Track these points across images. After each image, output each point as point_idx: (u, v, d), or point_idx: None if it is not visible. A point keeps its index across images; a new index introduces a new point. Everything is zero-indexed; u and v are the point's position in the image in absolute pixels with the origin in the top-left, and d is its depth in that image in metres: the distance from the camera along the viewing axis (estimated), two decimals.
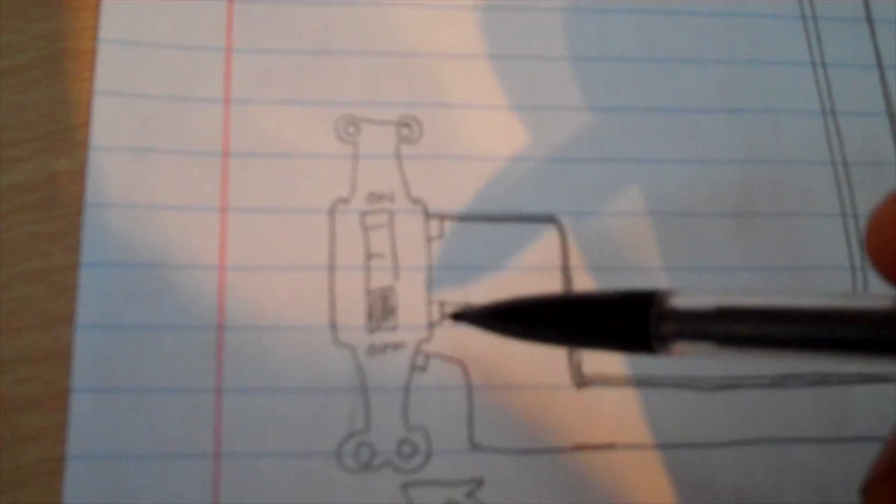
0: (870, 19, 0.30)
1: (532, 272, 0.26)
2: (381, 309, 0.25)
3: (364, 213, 0.26)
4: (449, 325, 0.25)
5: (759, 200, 0.28)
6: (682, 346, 0.19)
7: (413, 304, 0.25)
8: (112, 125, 0.26)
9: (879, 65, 0.30)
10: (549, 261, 0.26)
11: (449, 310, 0.25)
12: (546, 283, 0.26)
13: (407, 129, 0.27)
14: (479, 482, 0.24)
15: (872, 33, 0.30)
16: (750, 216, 0.27)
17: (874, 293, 0.20)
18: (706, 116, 0.28)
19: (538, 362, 0.25)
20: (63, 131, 0.26)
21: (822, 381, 0.26)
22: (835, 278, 0.27)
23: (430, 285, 0.26)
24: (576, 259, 0.27)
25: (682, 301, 0.19)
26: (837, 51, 0.29)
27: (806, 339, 0.17)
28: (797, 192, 0.28)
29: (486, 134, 0.27)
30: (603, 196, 0.27)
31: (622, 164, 0.28)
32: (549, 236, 0.27)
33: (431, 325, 0.25)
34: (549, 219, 0.27)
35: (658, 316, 0.19)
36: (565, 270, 0.26)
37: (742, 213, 0.27)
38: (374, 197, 0.26)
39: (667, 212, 0.28)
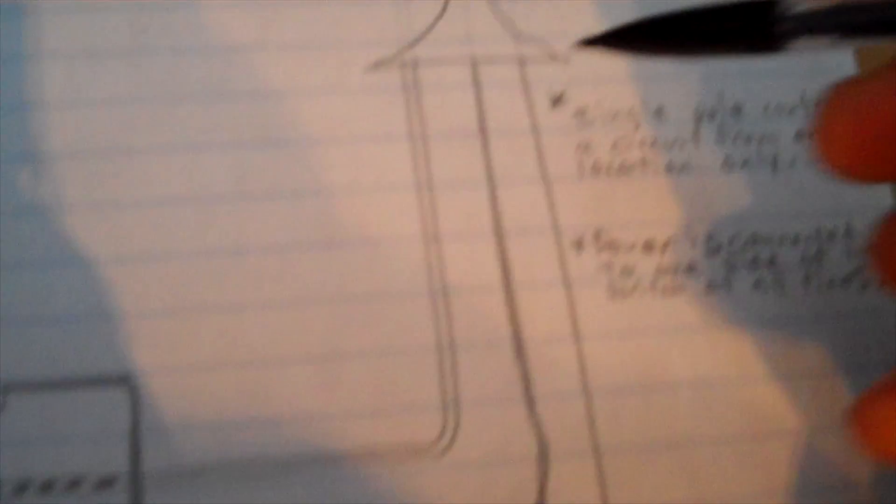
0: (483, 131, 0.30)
1: (98, 440, 0.25)
2: None
3: None
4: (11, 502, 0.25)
5: (349, 340, 0.27)
6: (804, 42, 0.21)
7: None
8: None
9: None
10: (118, 426, 0.26)
11: (7, 490, 0.25)
12: (112, 451, 0.25)
13: None
14: None
15: (485, 149, 0.29)
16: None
17: None
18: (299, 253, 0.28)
19: None
20: None
21: None
22: (423, 419, 0.27)
23: None
24: (149, 418, 0.26)
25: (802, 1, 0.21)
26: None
27: None
28: (391, 328, 0.27)
29: (59, 293, 0.26)
30: (179, 350, 0.26)
31: (199, 314, 0.27)
32: (120, 399, 0.26)
33: None
34: (121, 379, 0.26)
35: (782, 14, 0.21)
36: (134, 436, 0.26)
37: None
38: None
39: (248, 362, 0.27)
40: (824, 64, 0.31)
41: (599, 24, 0.29)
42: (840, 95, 0.22)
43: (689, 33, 0.23)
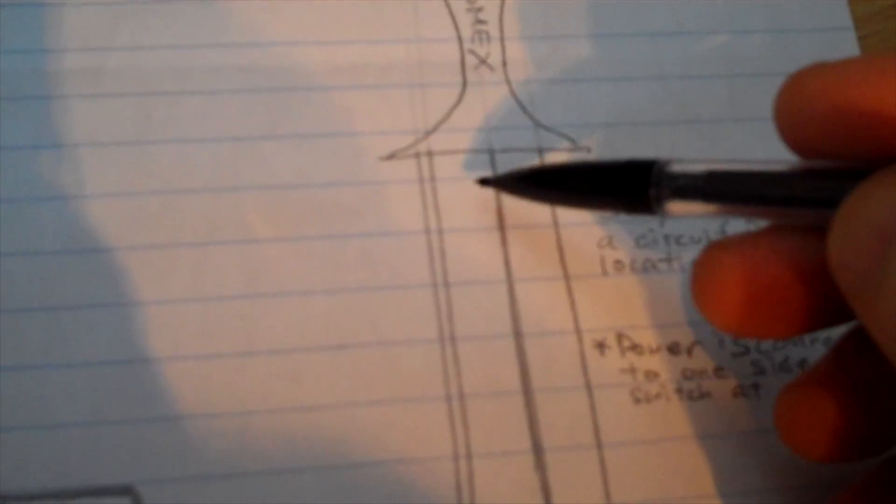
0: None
1: None
2: None
3: None
4: None
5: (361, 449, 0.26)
6: (676, 206, 0.23)
7: None
8: None
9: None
10: None
11: None
12: None
13: None
14: None
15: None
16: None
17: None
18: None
19: None
20: None
21: None
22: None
23: None
24: None
25: (678, 167, 0.23)
26: None
27: (773, 196, 0.21)
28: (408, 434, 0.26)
29: (58, 401, 0.25)
30: (183, 459, 0.25)
31: (206, 420, 0.26)
32: None
33: None
34: (124, 490, 0.25)
35: (657, 178, 0.23)
36: None
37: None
38: None
39: (253, 471, 0.26)
40: None
41: (619, 114, 0.28)
42: (709, 259, 0.23)
43: (574, 186, 0.25)
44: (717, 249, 0.22)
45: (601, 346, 0.28)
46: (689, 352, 0.28)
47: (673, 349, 0.28)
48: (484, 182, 0.28)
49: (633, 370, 0.28)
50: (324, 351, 0.27)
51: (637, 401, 0.27)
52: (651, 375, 0.28)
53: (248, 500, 0.25)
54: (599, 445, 0.27)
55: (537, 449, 0.26)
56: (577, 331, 0.28)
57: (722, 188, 0.22)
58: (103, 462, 0.25)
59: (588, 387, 0.27)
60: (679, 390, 0.28)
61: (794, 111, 0.21)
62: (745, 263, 0.22)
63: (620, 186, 0.24)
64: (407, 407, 0.27)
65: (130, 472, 0.25)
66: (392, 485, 0.26)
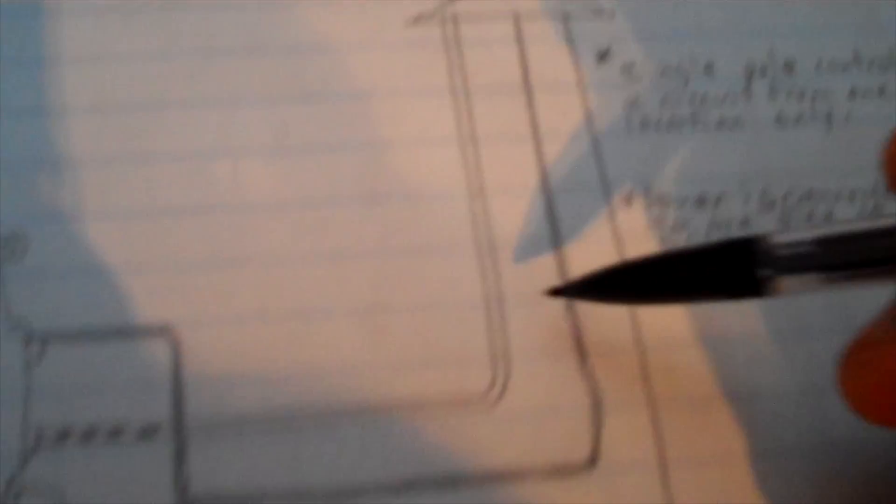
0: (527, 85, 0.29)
1: (139, 389, 0.25)
2: None
3: None
4: (46, 453, 0.24)
5: (394, 293, 0.26)
6: (788, 284, 0.20)
7: (7, 434, 0.24)
8: None
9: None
10: (159, 375, 0.25)
11: (49, 438, 0.24)
12: (153, 400, 0.25)
13: (9, 247, 0.26)
14: None
15: (530, 104, 0.29)
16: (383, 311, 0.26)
17: None
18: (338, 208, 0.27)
19: (141, 484, 0.25)
20: None
21: (454, 482, 0.25)
22: (473, 370, 0.26)
23: (26, 412, 0.24)
24: (191, 369, 0.25)
25: (782, 238, 0.20)
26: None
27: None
28: (438, 282, 0.26)
29: (96, 246, 0.26)
30: (221, 301, 0.26)
31: (242, 266, 0.26)
32: (161, 349, 0.25)
33: (26, 455, 0.24)
34: (161, 330, 0.25)
35: (762, 256, 0.20)
36: (176, 385, 0.25)
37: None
38: None
39: (292, 314, 0.27)
40: (877, 19, 0.30)
41: None
42: (853, 353, 0.21)
43: (662, 283, 0.22)
44: (869, 348, 0.21)
45: (629, 199, 0.28)
46: (716, 204, 0.28)
47: (700, 202, 0.28)
48: (555, 293, 0.25)
49: (660, 221, 0.28)
50: (354, 201, 0.27)
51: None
52: (677, 228, 0.28)
53: (284, 340, 0.26)
54: None
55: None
56: (604, 184, 0.28)
57: (839, 254, 0.20)
58: (141, 304, 0.26)
59: (616, 238, 0.28)
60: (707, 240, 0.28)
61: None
62: (881, 364, 0.20)
63: (719, 274, 0.21)
64: (437, 256, 0.27)
65: (168, 313, 0.26)
66: (426, 328, 0.26)
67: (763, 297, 0.21)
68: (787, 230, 0.21)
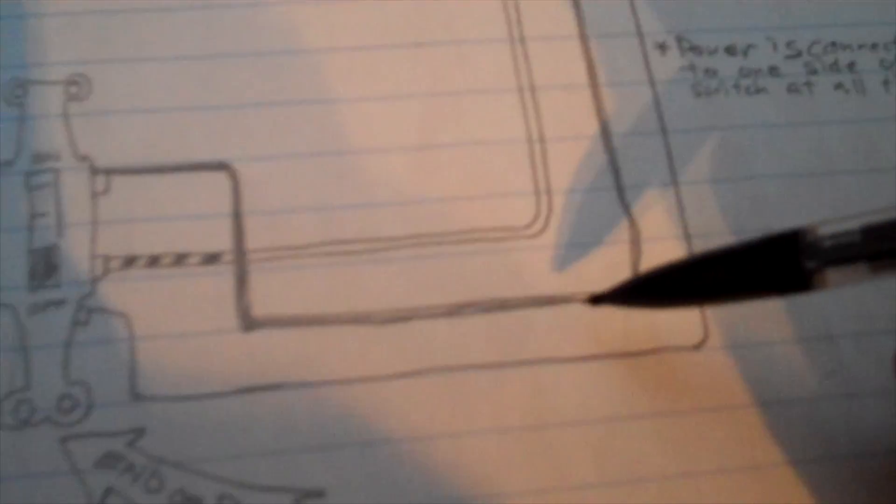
0: None
1: (201, 220, 0.26)
2: (44, 267, 0.25)
3: (28, 174, 0.26)
4: (114, 279, 0.25)
5: (442, 132, 0.27)
6: (835, 276, 0.19)
7: (77, 261, 0.25)
8: None
9: None
10: (220, 208, 0.26)
11: (115, 264, 0.25)
12: (216, 229, 0.26)
13: (75, 86, 0.27)
14: (139, 432, 0.24)
15: None
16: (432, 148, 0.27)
17: None
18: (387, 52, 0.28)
19: (204, 308, 0.25)
20: None
21: (501, 306, 0.26)
22: (518, 203, 0.27)
23: (94, 241, 0.25)
24: (249, 204, 0.26)
25: (828, 228, 0.19)
26: None
27: None
28: (482, 121, 0.28)
29: (156, 86, 0.27)
30: (277, 139, 0.27)
31: (297, 106, 0.27)
32: (220, 183, 0.26)
33: (95, 280, 0.25)
34: (220, 166, 0.27)
35: (808, 249, 0.19)
36: (236, 215, 0.26)
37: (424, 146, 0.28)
38: (39, 157, 0.26)
39: (345, 150, 0.28)
40: None
41: None
42: None
43: (706, 284, 0.22)
44: None
45: (662, 46, 0.29)
46: (745, 53, 0.29)
47: (730, 50, 0.29)
48: (597, 300, 0.25)
49: (692, 67, 0.29)
50: (403, 47, 0.28)
51: (698, 94, 0.29)
52: (710, 72, 0.29)
53: (338, 175, 0.28)
54: (664, 131, 0.28)
55: (605, 133, 0.28)
56: (639, 33, 0.29)
57: (886, 243, 0.19)
58: (201, 141, 0.27)
59: (651, 82, 0.29)
60: (737, 86, 0.29)
61: None
62: None
63: (765, 270, 0.20)
64: (480, 97, 0.28)
65: (227, 150, 0.27)
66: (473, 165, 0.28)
67: (811, 291, 0.20)
68: (831, 221, 0.20)
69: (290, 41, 0.28)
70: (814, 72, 0.29)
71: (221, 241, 0.26)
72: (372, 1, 0.29)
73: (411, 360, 0.25)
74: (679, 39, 0.29)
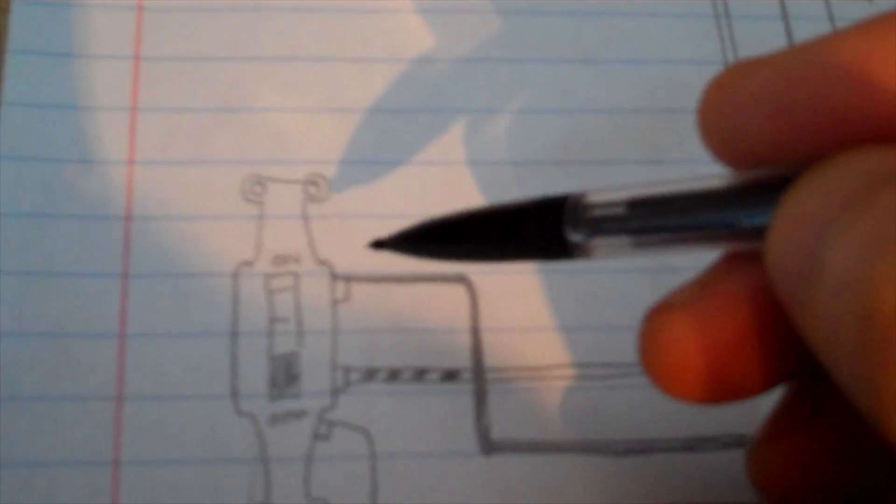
0: None
1: (441, 334, 0.26)
2: (285, 376, 0.25)
3: (269, 276, 0.26)
4: (354, 391, 0.25)
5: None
6: (598, 246, 0.18)
7: (317, 371, 0.25)
8: (13, 190, 0.26)
9: None
10: (459, 321, 0.26)
11: (356, 376, 0.25)
12: (455, 345, 0.26)
13: (314, 187, 0.26)
14: None
15: None
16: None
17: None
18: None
19: (445, 429, 0.25)
20: None
21: (738, 442, 0.25)
22: None
23: (334, 350, 0.25)
24: (486, 320, 0.26)
25: (594, 197, 0.18)
26: None
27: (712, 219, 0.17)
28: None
29: (395, 191, 0.27)
30: None
31: None
32: (459, 297, 0.26)
33: (336, 392, 0.25)
34: (458, 278, 0.26)
35: (572, 217, 0.18)
36: (475, 331, 0.26)
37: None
38: (279, 259, 0.26)
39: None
40: None
41: None
42: (650, 323, 0.18)
43: (475, 239, 0.21)
44: (663, 312, 0.18)
45: None
46: None
47: None
48: (377, 245, 0.23)
49: None
50: None
51: None
52: None
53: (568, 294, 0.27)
54: None
55: None
56: None
57: (650, 217, 0.18)
58: None
59: None
60: None
61: (726, 118, 0.18)
62: (699, 323, 0.18)
63: (531, 232, 0.19)
64: None
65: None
66: None
67: (574, 259, 0.19)
68: (601, 190, 0.19)
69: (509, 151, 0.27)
70: None
71: (460, 357, 0.26)
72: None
73: (651, 493, 0.25)
74: None
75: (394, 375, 0.25)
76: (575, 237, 0.19)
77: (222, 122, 0.27)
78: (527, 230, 0.19)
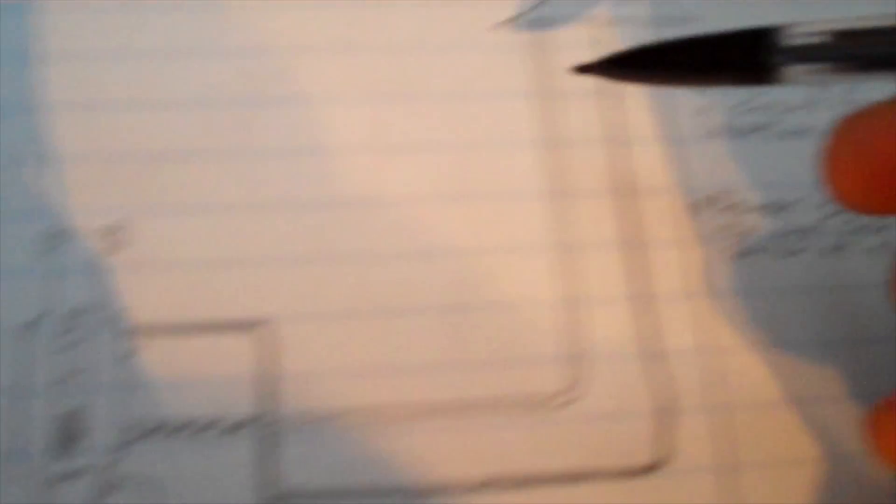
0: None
1: (231, 383, 0.26)
2: (67, 433, 0.25)
3: (57, 332, 0.26)
4: (143, 444, 0.25)
5: (476, 293, 0.27)
6: (795, 72, 0.21)
7: (103, 426, 0.25)
8: None
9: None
10: (250, 370, 0.26)
11: (141, 431, 0.25)
12: (244, 394, 0.26)
13: (111, 237, 0.26)
14: None
15: (615, 107, 0.29)
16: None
17: None
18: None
19: (227, 479, 0.25)
20: None
21: (529, 482, 0.26)
22: (548, 372, 0.27)
23: (122, 404, 0.25)
24: (284, 364, 0.26)
25: (796, 29, 0.21)
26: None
27: None
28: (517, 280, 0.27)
29: (197, 238, 0.27)
30: (313, 298, 0.27)
31: (332, 264, 0.27)
32: (254, 343, 0.26)
33: (122, 447, 0.25)
34: (254, 323, 0.26)
35: (774, 46, 0.21)
36: (266, 380, 0.26)
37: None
38: (74, 312, 0.26)
39: (376, 308, 0.28)
40: None
41: None
42: (844, 129, 0.21)
43: (683, 62, 0.23)
44: (843, 124, 0.21)
45: (697, 206, 0.29)
46: (783, 212, 0.29)
47: (771, 208, 0.29)
48: (583, 69, 0.25)
49: (729, 228, 0.29)
50: (445, 199, 0.28)
51: (733, 255, 0.28)
52: (746, 233, 0.29)
53: (370, 337, 0.27)
54: (700, 295, 0.28)
55: (647, 295, 0.28)
56: (677, 189, 0.29)
57: (851, 48, 0.21)
58: (238, 297, 0.27)
59: (687, 242, 0.28)
60: (774, 248, 0.29)
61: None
62: (866, 139, 0.21)
63: (733, 58, 0.22)
64: (518, 256, 0.28)
65: (262, 307, 0.27)
66: (506, 328, 0.27)
67: (772, 84, 0.21)
68: (804, 23, 0.21)
69: (329, 192, 0.27)
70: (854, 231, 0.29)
71: (251, 406, 0.26)
72: (414, 154, 0.28)
73: None
74: (718, 196, 0.29)
75: (180, 429, 0.25)
76: (774, 63, 0.21)
77: (15, 174, 0.27)
78: (730, 55, 0.22)
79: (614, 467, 0.26)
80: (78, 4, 0.29)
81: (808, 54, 0.21)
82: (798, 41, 0.21)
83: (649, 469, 0.26)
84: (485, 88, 0.29)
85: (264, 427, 0.25)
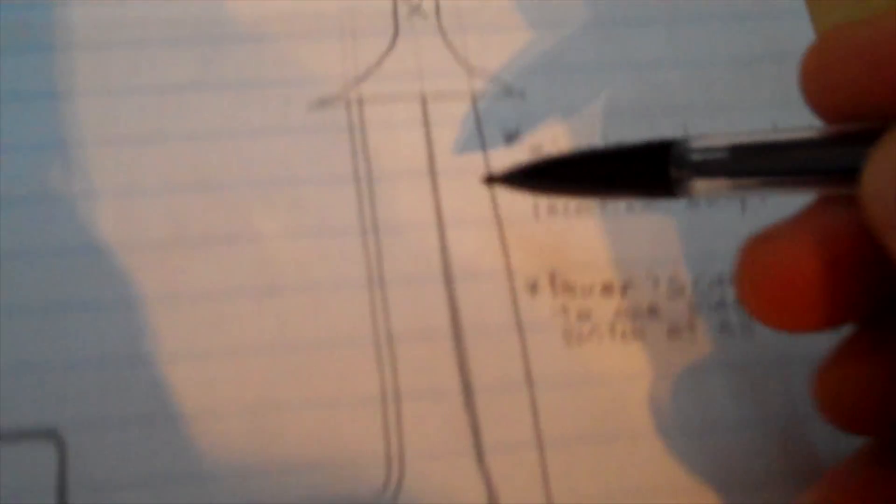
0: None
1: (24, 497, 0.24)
2: None
3: None
4: None
5: (290, 390, 0.26)
6: (700, 186, 0.21)
7: None
8: None
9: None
10: (47, 480, 0.24)
11: None
12: None
13: None
14: None
15: (435, 189, 0.28)
16: None
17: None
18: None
19: None
20: None
21: None
22: (365, 471, 0.25)
23: None
24: (76, 473, 0.25)
25: (697, 143, 0.21)
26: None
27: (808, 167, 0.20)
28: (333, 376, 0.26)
29: None
30: (107, 404, 0.25)
31: (128, 367, 0.26)
32: (48, 455, 0.25)
33: None
34: (49, 433, 0.25)
35: (678, 159, 0.21)
36: (60, 490, 0.24)
37: None
38: None
39: (179, 411, 0.26)
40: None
41: (554, 56, 0.28)
42: (750, 251, 0.21)
43: (587, 177, 0.23)
44: (767, 241, 0.21)
45: (533, 286, 0.27)
46: (624, 293, 0.28)
47: (607, 289, 0.28)
48: (490, 180, 0.27)
49: (565, 310, 0.27)
50: (251, 293, 0.27)
51: (569, 341, 0.27)
52: (583, 316, 0.27)
53: (170, 443, 0.25)
54: (530, 384, 0.26)
55: (467, 389, 0.26)
56: (508, 272, 0.28)
57: (749, 162, 0.21)
58: (26, 405, 0.25)
59: (519, 327, 0.27)
60: (612, 330, 0.27)
61: (824, 75, 0.21)
62: (802, 250, 0.21)
63: (638, 171, 0.22)
64: (335, 349, 0.26)
65: (54, 415, 0.25)
66: (319, 427, 0.26)
67: (676, 198, 0.22)
68: (703, 137, 0.21)
69: (130, 290, 0.26)
70: (697, 311, 0.27)
71: None
72: (220, 246, 0.27)
73: None
74: (552, 277, 0.27)
75: None
76: (679, 178, 0.21)
77: None
78: (635, 170, 0.22)
79: None
80: None
81: (707, 169, 0.21)
82: (696, 157, 0.21)
83: None
84: (301, 174, 0.28)
85: None
